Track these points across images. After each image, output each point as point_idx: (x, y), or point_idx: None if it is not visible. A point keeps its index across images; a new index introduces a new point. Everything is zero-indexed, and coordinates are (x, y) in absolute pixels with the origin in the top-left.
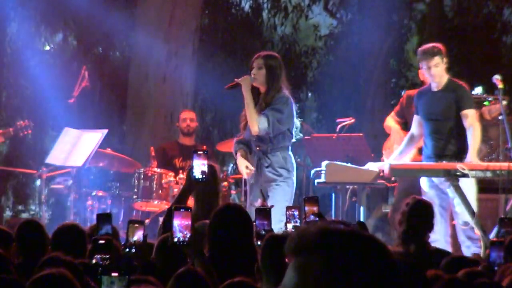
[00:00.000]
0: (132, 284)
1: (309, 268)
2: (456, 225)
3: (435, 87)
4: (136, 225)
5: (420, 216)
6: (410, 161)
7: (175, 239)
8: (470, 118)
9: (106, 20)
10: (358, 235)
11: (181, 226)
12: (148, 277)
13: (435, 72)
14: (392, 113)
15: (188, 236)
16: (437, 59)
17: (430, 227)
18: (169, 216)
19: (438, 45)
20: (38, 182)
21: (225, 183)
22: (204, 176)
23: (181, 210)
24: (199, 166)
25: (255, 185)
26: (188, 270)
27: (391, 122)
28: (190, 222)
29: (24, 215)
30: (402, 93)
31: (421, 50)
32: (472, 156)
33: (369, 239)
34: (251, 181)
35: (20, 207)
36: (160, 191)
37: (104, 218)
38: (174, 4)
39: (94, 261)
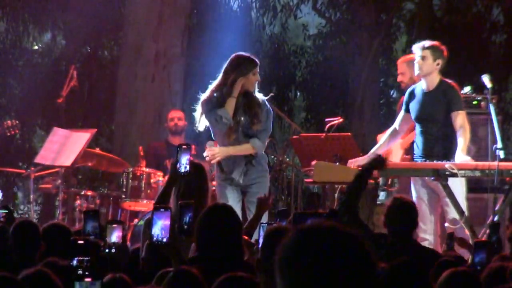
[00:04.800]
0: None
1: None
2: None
3: (426, 87)
4: (114, 225)
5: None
6: (399, 161)
7: (153, 239)
8: (461, 119)
9: (94, 19)
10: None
11: (160, 226)
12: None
13: (419, 64)
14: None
15: (166, 236)
16: (426, 52)
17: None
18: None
19: (439, 45)
20: (27, 182)
21: (214, 183)
22: (187, 170)
23: (161, 210)
24: (184, 160)
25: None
26: (183, 271)
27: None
28: (169, 223)
29: None
30: (391, 92)
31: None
32: (461, 155)
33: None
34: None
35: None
36: (148, 191)
37: (90, 215)
38: (162, 3)
39: (73, 263)
